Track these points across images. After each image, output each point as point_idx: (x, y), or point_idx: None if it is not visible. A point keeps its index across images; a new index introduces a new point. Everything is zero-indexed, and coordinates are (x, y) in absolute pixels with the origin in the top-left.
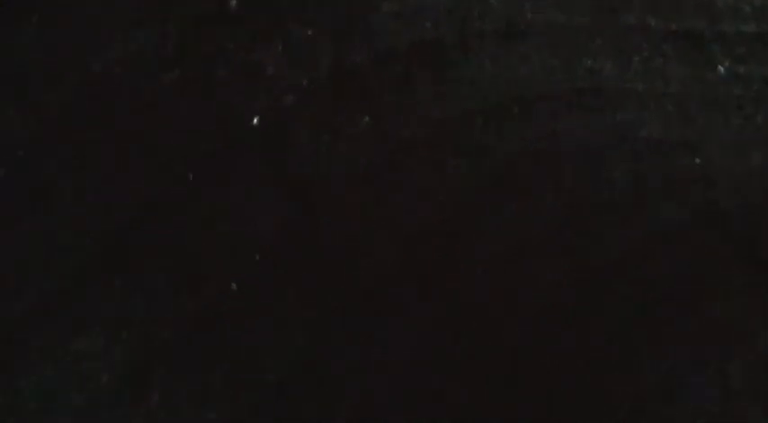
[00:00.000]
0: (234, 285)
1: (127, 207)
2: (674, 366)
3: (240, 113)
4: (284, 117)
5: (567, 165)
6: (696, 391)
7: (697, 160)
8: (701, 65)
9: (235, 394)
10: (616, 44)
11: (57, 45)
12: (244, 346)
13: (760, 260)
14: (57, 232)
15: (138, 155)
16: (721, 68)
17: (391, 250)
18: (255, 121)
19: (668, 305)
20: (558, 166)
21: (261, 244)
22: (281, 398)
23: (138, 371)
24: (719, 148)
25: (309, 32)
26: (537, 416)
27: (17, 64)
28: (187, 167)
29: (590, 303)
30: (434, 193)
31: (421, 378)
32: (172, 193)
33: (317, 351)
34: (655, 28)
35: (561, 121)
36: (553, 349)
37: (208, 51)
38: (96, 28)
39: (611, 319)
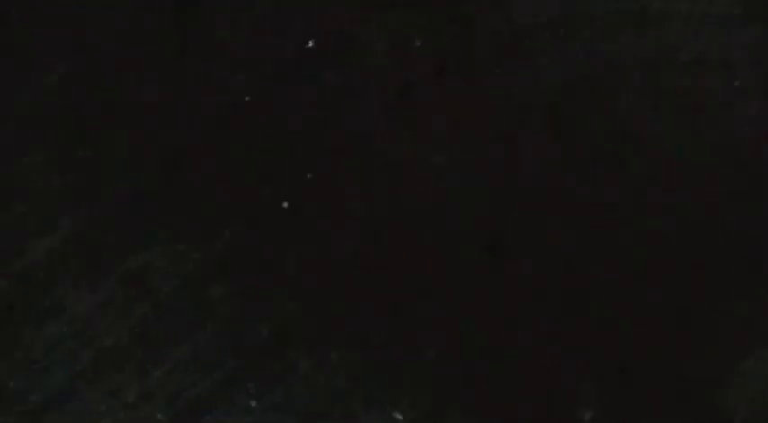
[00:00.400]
0: (285, 203)
1: (188, 122)
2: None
3: (297, 33)
4: (341, 37)
5: (611, 82)
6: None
7: (736, 83)
8: None
9: (284, 305)
10: None
11: None
12: (293, 258)
13: None
14: (121, 147)
15: (200, 77)
16: None
17: (440, 166)
18: (311, 44)
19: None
20: (605, 82)
21: (315, 163)
22: (327, 307)
23: (197, 281)
24: (756, 67)
25: None
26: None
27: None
28: (245, 89)
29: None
30: (491, 107)
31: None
32: (226, 115)
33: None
34: None
35: (605, 41)
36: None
37: None
38: None
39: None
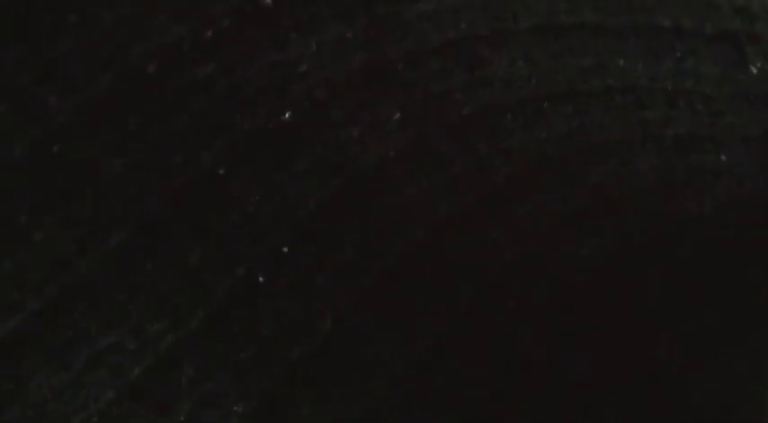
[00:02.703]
0: (261, 278)
1: (157, 198)
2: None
3: (272, 108)
4: (316, 112)
5: (593, 158)
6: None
7: (723, 157)
8: (734, 65)
9: (262, 376)
10: (649, 45)
11: (99, 35)
12: (270, 336)
13: None
14: (87, 222)
15: (169, 147)
16: (753, 69)
17: (419, 238)
18: (287, 115)
19: (690, 299)
20: (584, 159)
21: (291, 236)
22: (306, 379)
23: (169, 362)
24: (746, 145)
25: (344, 30)
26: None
27: (61, 53)
28: (217, 161)
29: (612, 294)
30: (464, 184)
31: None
32: (201, 186)
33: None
34: (689, 30)
35: (590, 116)
36: (569, 347)
37: (242, 47)
38: (136, 21)
39: (636, 308)
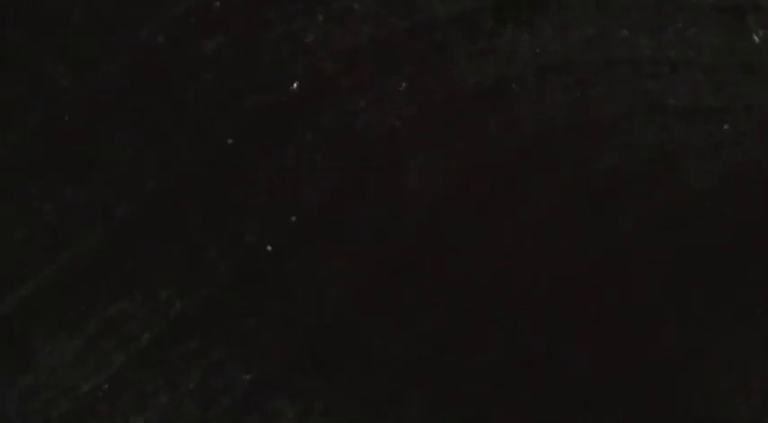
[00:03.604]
0: (269, 247)
1: (168, 169)
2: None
3: (280, 79)
4: (324, 83)
5: (598, 129)
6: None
7: (725, 126)
8: (736, 34)
9: (268, 352)
10: (652, 16)
11: (108, 13)
12: (278, 305)
13: None
14: (99, 193)
15: (181, 119)
16: (756, 38)
17: (427, 210)
18: (295, 86)
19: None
20: (589, 130)
21: (299, 206)
22: (311, 356)
23: (178, 330)
24: (748, 113)
25: (351, 2)
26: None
27: (71, 32)
28: (227, 131)
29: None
30: (469, 155)
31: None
32: (212, 157)
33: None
34: (692, 0)
35: (594, 88)
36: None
37: (250, 19)
38: None
39: (638, 287)
